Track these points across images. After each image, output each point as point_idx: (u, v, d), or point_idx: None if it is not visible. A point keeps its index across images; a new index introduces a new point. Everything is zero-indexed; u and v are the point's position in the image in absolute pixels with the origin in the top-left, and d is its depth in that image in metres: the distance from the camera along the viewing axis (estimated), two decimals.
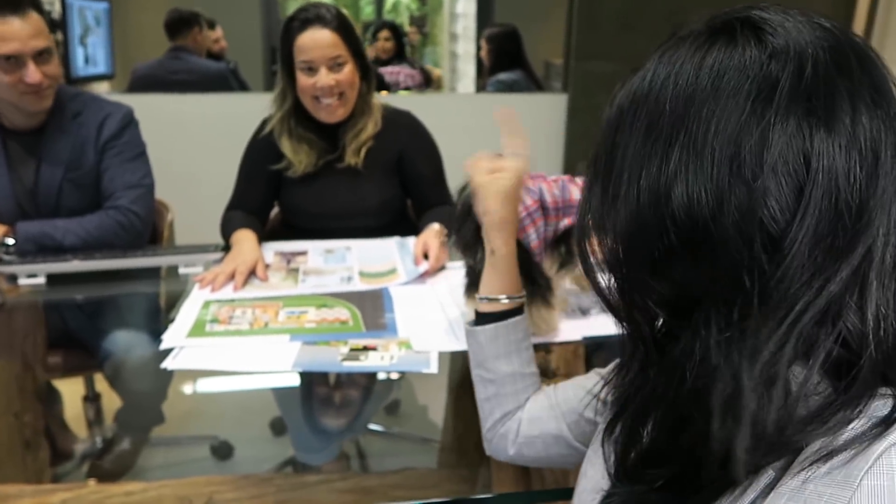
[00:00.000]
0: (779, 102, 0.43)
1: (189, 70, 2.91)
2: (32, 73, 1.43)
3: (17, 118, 1.53)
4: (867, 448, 0.40)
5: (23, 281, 1.43)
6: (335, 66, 1.53)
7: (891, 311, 0.43)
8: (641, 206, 0.47)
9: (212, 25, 3.10)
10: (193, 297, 1.32)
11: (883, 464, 0.39)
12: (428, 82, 3.56)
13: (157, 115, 2.16)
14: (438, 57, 4.03)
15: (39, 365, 1.23)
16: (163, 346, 1.13)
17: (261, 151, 1.66)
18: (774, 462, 0.43)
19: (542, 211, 1.07)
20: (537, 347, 0.94)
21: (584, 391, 0.73)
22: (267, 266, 1.45)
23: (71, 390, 1.17)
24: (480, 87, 3.41)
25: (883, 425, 0.41)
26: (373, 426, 1.07)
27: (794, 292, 0.42)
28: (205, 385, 1.13)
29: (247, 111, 1.78)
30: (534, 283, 1.07)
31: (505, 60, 3.14)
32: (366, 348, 1.12)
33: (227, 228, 1.60)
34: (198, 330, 1.19)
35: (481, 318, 0.84)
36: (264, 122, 1.67)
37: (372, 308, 1.28)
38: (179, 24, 2.92)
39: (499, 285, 0.85)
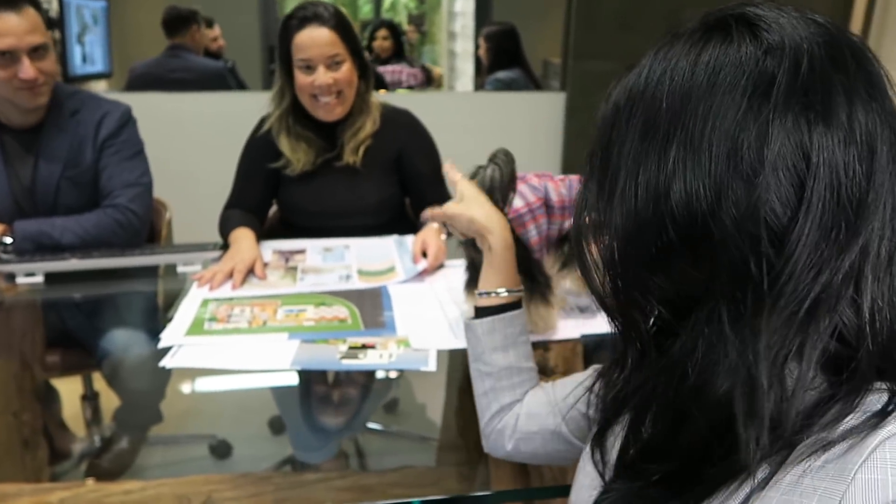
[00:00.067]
0: (776, 98, 0.43)
1: (187, 68, 2.90)
2: (27, 69, 1.43)
3: (14, 115, 1.52)
4: (861, 442, 0.41)
5: (21, 280, 1.42)
6: (333, 64, 1.52)
7: (886, 304, 0.43)
8: (639, 203, 0.47)
9: (210, 24, 3.10)
10: (192, 296, 1.32)
11: (877, 457, 0.40)
12: (429, 81, 3.56)
13: (155, 113, 2.16)
14: (437, 55, 4.03)
15: (37, 364, 1.23)
16: (161, 345, 1.13)
17: (259, 150, 1.66)
18: (771, 456, 0.44)
19: (545, 209, 1.07)
20: (535, 345, 0.94)
21: (582, 388, 0.73)
22: (265, 264, 1.45)
23: (69, 389, 1.17)
24: (479, 85, 3.41)
25: (877, 419, 0.41)
26: (371, 424, 1.07)
27: (804, 287, 0.42)
28: (203, 384, 1.13)
29: (245, 110, 1.78)
30: (533, 281, 1.07)
31: (503, 59, 3.14)
32: (364, 346, 1.12)
33: (226, 227, 1.60)
34: (196, 328, 1.19)
35: (479, 313, 0.85)
36: (262, 121, 1.67)
37: (370, 306, 1.28)
38: (177, 23, 2.91)
39: (496, 280, 0.85)
